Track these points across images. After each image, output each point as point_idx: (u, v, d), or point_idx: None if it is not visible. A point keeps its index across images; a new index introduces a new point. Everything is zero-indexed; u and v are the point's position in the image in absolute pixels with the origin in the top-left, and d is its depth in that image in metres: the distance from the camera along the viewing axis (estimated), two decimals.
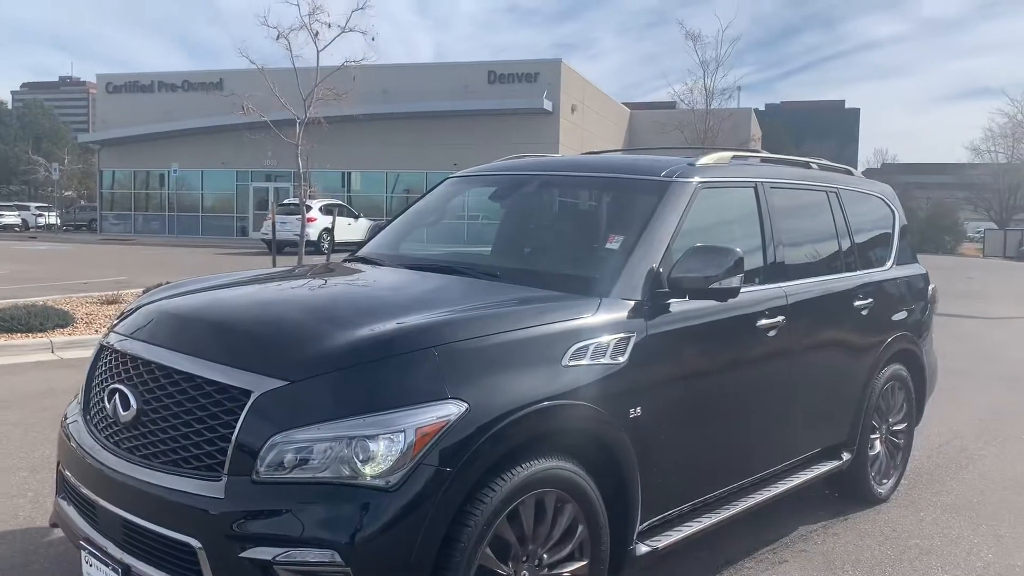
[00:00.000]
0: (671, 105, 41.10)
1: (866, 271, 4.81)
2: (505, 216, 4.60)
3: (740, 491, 3.87)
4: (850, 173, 5.22)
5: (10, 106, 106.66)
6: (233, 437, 2.49)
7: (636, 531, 3.17)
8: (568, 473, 2.82)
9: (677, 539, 3.36)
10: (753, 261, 3.88)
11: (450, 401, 2.52)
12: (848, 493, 4.90)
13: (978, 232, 65.26)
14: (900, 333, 4.92)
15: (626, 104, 49.81)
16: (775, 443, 4.06)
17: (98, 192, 44.54)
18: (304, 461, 2.43)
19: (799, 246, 4.34)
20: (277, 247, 20.22)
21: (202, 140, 38.87)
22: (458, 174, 4.59)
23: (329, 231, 28.65)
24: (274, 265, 15.04)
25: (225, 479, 2.48)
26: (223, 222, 40.88)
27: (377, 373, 2.52)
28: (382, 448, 2.42)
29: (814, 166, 4.86)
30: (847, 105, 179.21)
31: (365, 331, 2.65)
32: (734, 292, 3.31)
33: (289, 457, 2.43)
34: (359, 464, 2.41)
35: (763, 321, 3.79)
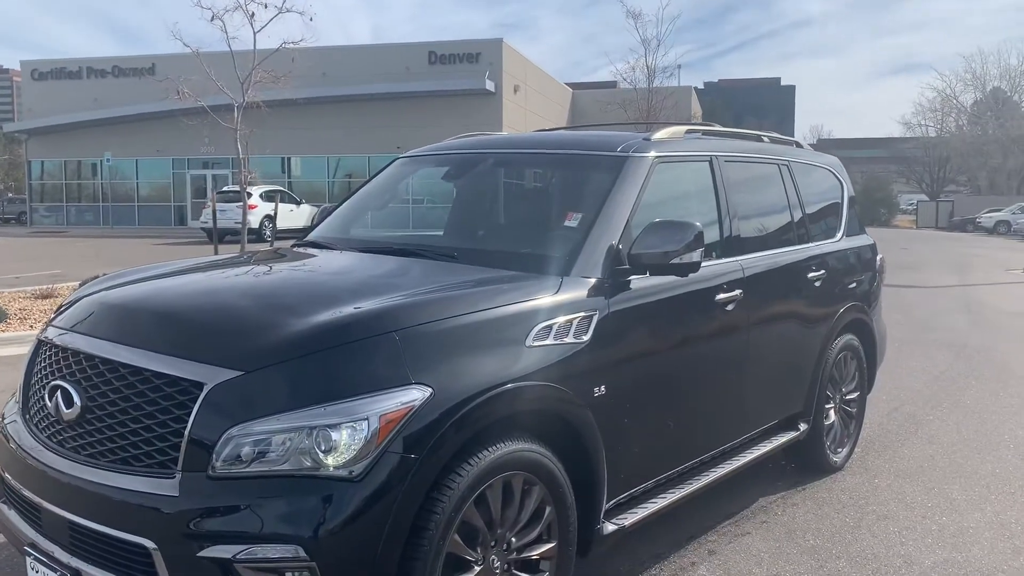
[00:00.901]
0: (613, 84, 41.24)
1: (818, 243, 4.85)
2: (459, 196, 4.51)
3: (703, 465, 3.87)
4: (799, 146, 5.25)
5: None
6: (186, 432, 2.37)
7: (603, 510, 3.14)
8: (535, 455, 2.77)
9: (643, 516, 3.34)
10: (710, 235, 3.85)
11: (413, 386, 2.44)
12: (805, 463, 4.96)
13: (911, 204, 67.17)
14: (851, 303, 4.98)
15: (568, 84, 49.83)
16: (735, 416, 4.07)
17: (27, 183, 42.97)
18: (263, 454, 2.33)
19: (754, 219, 4.34)
20: (218, 236, 19.74)
21: (135, 127, 37.72)
22: (408, 155, 4.48)
23: (271, 218, 28.11)
24: (216, 254, 14.67)
25: (179, 476, 2.37)
26: (160, 211, 39.82)
27: (336, 360, 2.43)
28: (345, 437, 2.33)
29: (765, 139, 4.87)
30: (783, 82, 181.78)
31: (322, 317, 2.55)
32: (695, 267, 3.29)
33: (247, 450, 2.33)
34: (321, 455, 2.32)
35: (721, 295, 3.78)
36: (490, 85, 35.01)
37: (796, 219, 4.71)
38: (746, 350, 3.99)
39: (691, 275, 3.39)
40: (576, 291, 3.07)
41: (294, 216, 28.60)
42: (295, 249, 3.94)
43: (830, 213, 5.20)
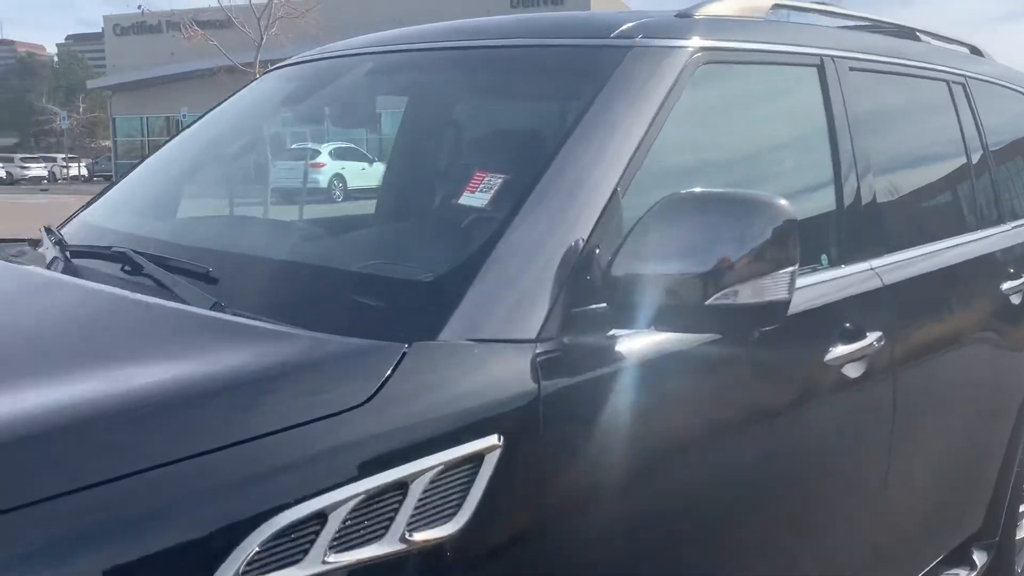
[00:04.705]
0: None
1: (1014, 225, 2.72)
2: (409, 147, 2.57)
3: None
4: (978, 53, 3.07)
5: (55, 59, 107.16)
6: None
7: None
8: None
9: None
10: (816, 220, 1.87)
11: None
12: None
13: None
14: None
15: None
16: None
17: (112, 140, 43.07)
18: None
19: (903, 184, 2.28)
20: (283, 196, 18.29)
21: (212, 82, 36.81)
22: (281, 65, 2.55)
23: (341, 177, 26.80)
24: None
25: None
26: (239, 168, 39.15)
27: None
28: None
29: (923, 36, 2.74)
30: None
31: None
32: (776, 312, 1.30)
33: None
34: None
35: (840, 348, 1.76)
36: None
37: (979, 184, 2.59)
38: (884, 453, 1.97)
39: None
40: (442, 385, 1.15)
41: (366, 175, 27.10)
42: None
43: None
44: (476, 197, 1.42)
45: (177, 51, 37.37)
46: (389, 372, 1.11)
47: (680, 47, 1.63)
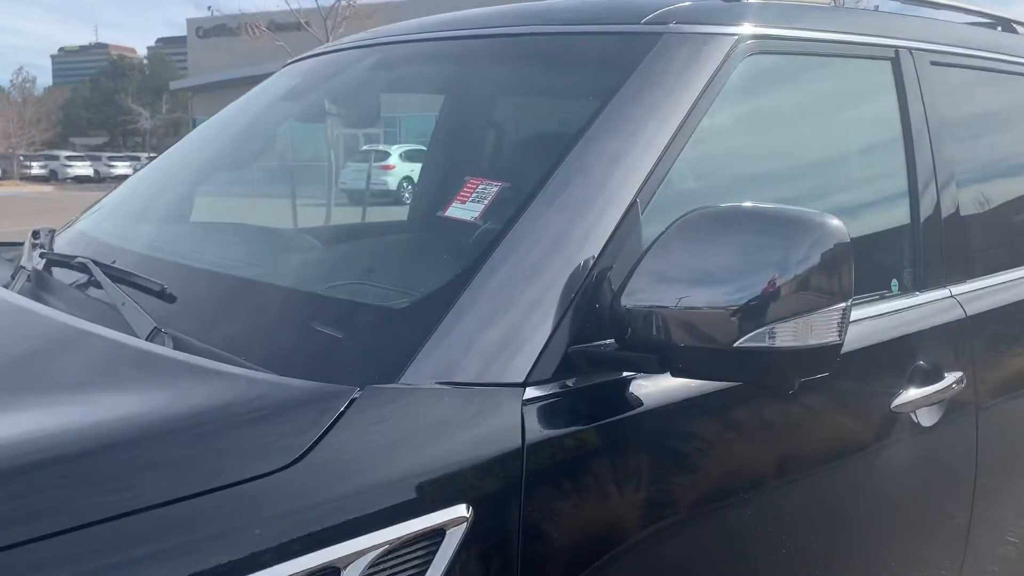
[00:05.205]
0: None
1: None
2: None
3: None
4: None
5: (145, 61, 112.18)
6: None
7: None
8: None
9: None
10: (886, 238, 1.60)
11: None
12: None
13: None
14: None
15: None
16: None
17: None
18: None
19: (993, 199, 1.97)
20: (352, 198, 18.50)
21: None
22: (299, 58, 2.37)
23: (410, 180, 27.04)
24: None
25: None
26: (315, 172, 39.79)
27: None
28: None
29: (1021, 30, 2.41)
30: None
31: None
32: (824, 359, 1.04)
33: None
34: None
35: (912, 391, 1.48)
36: None
37: None
38: (964, 518, 1.67)
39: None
40: (398, 441, 0.93)
41: None
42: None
43: None
44: (466, 208, 1.20)
45: (256, 53, 38.30)
46: (329, 424, 0.90)
47: (723, 34, 1.38)
